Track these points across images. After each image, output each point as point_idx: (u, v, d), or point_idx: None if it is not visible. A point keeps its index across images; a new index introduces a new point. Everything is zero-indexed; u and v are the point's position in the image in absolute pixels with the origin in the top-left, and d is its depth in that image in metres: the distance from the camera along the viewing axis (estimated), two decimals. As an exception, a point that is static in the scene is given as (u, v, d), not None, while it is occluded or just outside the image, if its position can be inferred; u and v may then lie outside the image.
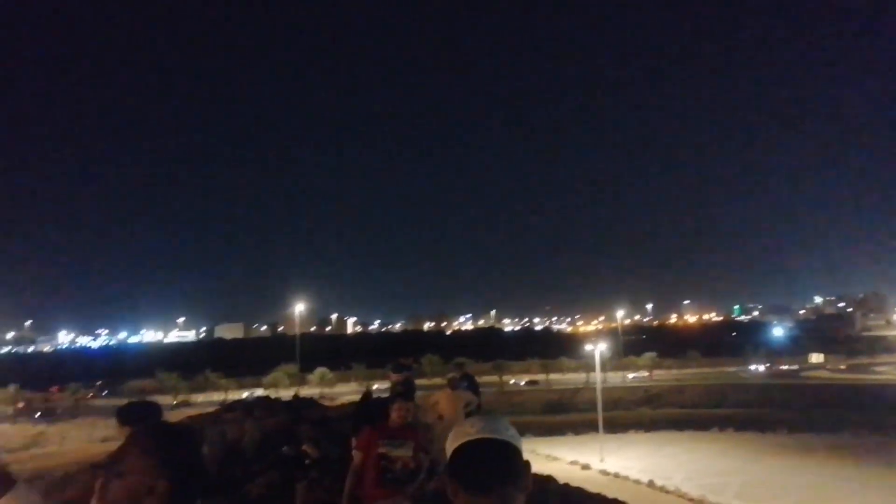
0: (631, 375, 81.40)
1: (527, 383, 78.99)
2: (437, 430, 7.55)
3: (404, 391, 6.15)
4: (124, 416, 3.56)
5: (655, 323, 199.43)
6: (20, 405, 68.65)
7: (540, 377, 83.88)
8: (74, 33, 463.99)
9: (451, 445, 1.72)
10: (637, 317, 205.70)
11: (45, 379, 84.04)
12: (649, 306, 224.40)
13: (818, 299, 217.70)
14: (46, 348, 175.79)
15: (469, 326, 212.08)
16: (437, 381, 51.06)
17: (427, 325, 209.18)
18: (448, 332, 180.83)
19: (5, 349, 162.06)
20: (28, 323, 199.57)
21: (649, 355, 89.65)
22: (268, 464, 9.23)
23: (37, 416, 64.77)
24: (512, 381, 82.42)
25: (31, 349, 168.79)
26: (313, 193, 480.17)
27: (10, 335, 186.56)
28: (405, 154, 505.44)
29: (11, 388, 72.11)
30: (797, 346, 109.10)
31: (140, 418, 3.51)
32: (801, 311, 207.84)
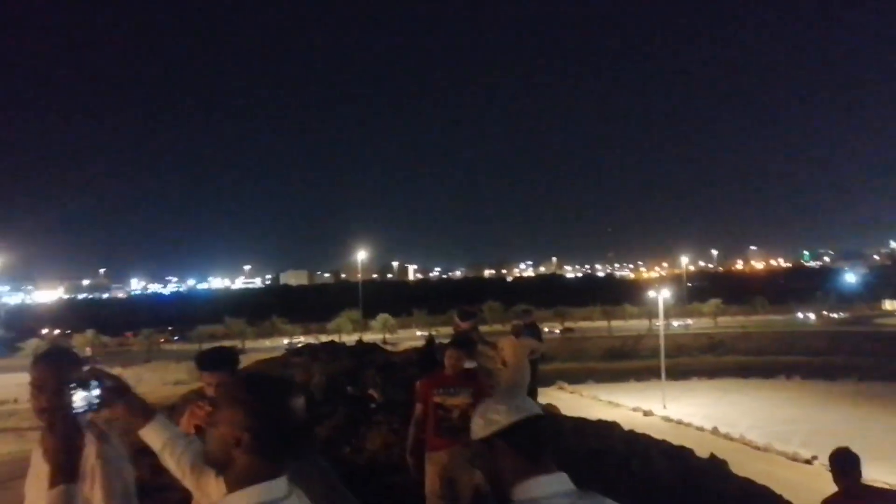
0: (676, 323, 79.50)
1: (562, 331, 77.65)
2: (501, 377, 7.53)
3: (459, 340, 6.11)
4: (204, 361, 3.57)
5: (721, 269, 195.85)
6: (88, 351, 71.52)
7: (601, 324, 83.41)
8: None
9: (487, 427, 1.75)
10: (701, 263, 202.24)
11: (120, 324, 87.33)
12: (714, 252, 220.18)
13: (894, 244, 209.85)
14: (120, 295, 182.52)
15: (530, 273, 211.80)
16: (498, 327, 51.25)
17: (487, 273, 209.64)
18: (509, 279, 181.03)
19: (82, 296, 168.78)
20: (102, 271, 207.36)
21: (714, 302, 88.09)
22: (334, 406, 9.39)
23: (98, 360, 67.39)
24: (546, 329, 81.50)
25: (105, 296, 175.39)
26: (377, 142, 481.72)
27: (86, 282, 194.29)
28: (468, 103, 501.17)
29: (88, 332, 75.16)
30: (871, 293, 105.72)
31: (219, 364, 3.53)
32: (876, 257, 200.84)
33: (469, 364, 5.98)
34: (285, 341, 67.51)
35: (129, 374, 59.93)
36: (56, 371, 2.77)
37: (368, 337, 60.31)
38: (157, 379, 53.94)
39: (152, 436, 2.55)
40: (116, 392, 2.50)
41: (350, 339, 38.29)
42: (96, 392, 2.44)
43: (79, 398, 2.43)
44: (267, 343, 72.76)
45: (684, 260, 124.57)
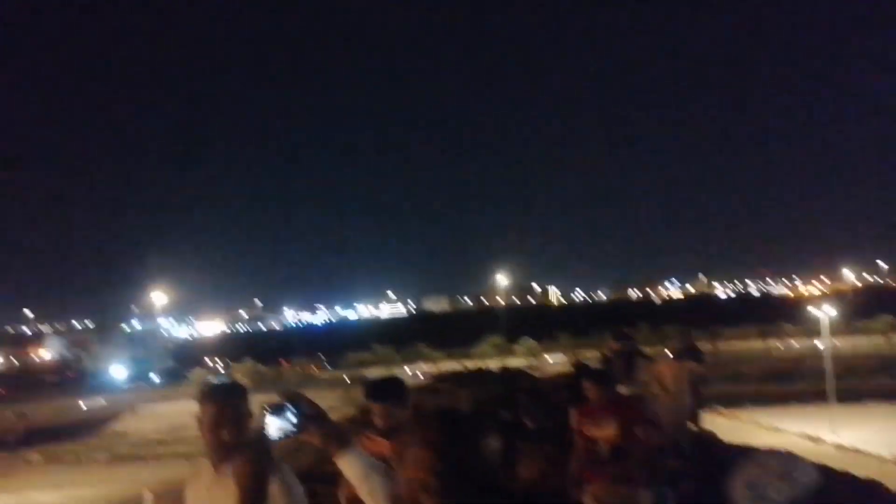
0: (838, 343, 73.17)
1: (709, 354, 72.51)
2: (663, 402, 7.10)
3: (599, 370, 5.77)
4: (374, 391, 3.50)
5: (891, 283, 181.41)
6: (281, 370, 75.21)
7: (757, 344, 79.00)
8: None
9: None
10: (866, 276, 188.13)
11: (276, 354, 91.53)
12: (882, 265, 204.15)
13: None
14: (275, 325, 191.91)
15: (677, 292, 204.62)
16: (648, 350, 49.48)
17: (633, 293, 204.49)
18: (657, 301, 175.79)
19: (241, 327, 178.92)
20: (258, 302, 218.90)
21: (885, 318, 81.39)
22: (487, 431, 9.16)
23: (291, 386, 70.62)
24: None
25: (262, 326, 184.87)
26: (513, 165, 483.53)
27: (244, 314, 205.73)
28: (602, 120, 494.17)
29: (247, 362, 79.24)
30: None
31: (388, 395, 3.47)
32: None
33: (625, 389, 5.64)
34: (427, 368, 68.31)
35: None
36: (230, 405, 2.78)
37: (513, 362, 60.00)
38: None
39: (348, 465, 2.44)
40: (314, 419, 2.43)
41: (494, 364, 38.16)
42: (292, 418, 2.38)
43: (273, 424, 2.37)
44: (413, 369, 73.96)
45: (848, 273, 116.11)
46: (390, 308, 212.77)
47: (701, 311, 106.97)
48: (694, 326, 77.79)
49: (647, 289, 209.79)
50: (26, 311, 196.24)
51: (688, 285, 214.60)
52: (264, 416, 2.39)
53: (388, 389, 3.52)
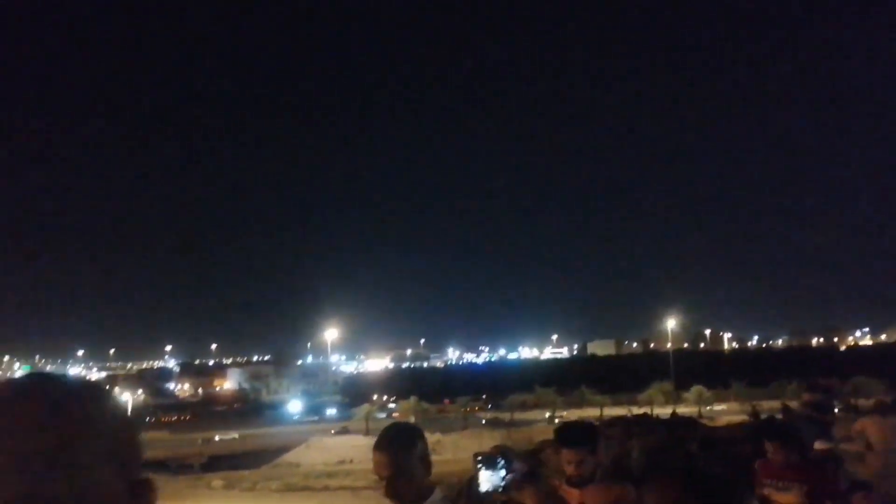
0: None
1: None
2: (868, 461, 6.25)
3: (783, 426, 5.05)
4: (568, 437, 3.25)
5: None
6: (395, 416, 76.27)
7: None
8: None
9: None
10: None
11: (439, 392, 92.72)
12: None
13: None
14: (438, 364, 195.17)
15: (867, 341, 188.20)
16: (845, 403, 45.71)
17: (815, 341, 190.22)
18: (842, 348, 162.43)
19: (406, 364, 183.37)
20: (422, 341, 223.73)
21: None
22: (741, 495, 8.54)
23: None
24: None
25: (425, 364, 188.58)
26: (679, 206, 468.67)
27: (409, 352, 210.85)
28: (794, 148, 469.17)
29: (412, 399, 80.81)
30: None
31: (583, 441, 3.22)
32: None
33: (821, 445, 4.97)
34: (590, 413, 66.48)
35: (447, 441, 62.95)
36: (406, 452, 2.66)
37: (682, 410, 57.27)
38: (473, 445, 55.77)
39: None
40: (530, 477, 2.32)
41: (662, 411, 36.52)
42: (503, 473, 2.30)
43: (485, 478, 2.29)
44: (576, 414, 72.34)
45: None
46: (553, 351, 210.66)
47: (892, 361, 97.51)
48: (885, 377, 71.36)
49: (832, 337, 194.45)
50: (213, 346, 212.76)
51: (883, 336, 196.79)
52: (477, 467, 2.29)
53: (582, 435, 3.26)
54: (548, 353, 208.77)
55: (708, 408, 69.89)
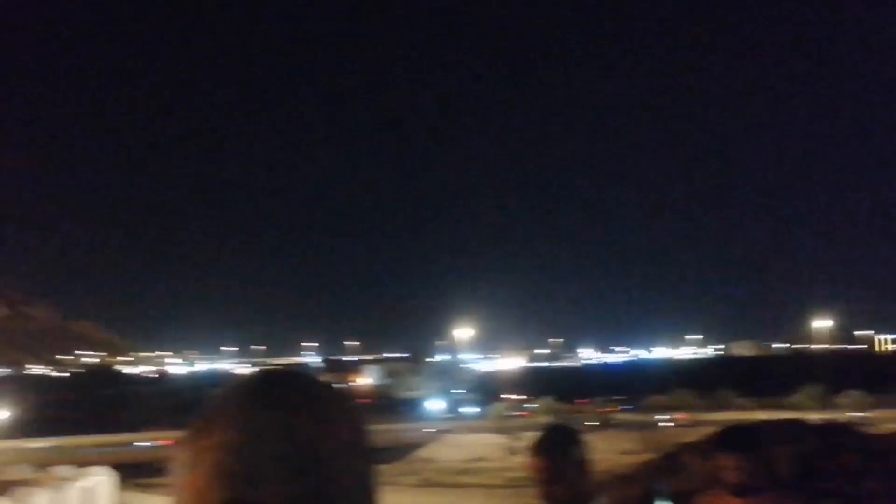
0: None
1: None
2: None
3: None
4: (734, 442, 3.13)
5: None
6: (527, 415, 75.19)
7: None
8: None
9: None
10: None
11: (573, 392, 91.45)
12: None
13: None
14: (573, 363, 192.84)
15: None
16: None
17: None
18: None
19: (539, 363, 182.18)
20: (557, 340, 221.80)
21: None
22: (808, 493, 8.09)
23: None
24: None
25: (559, 364, 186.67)
26: (832, 206, 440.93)
27: (543, 351, 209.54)
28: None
29: (546, 399, 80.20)
30: None
31: (751, 444, 3.09)
32: None
33: None
34: (733, 416, 63.52)
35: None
36: (565, 458, 2.57)
37: (835, 416, 53.69)
38: (609, 448, 54.67)
39: None
40: None
41: (812, 417, 34.33)
42: None
43: None
44: (718, 417, 69.47)
45: None
46: (691, 351, 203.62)
47: None
48: None
49: None
50: (352, 343, 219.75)
51: None
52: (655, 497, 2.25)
53: (747, 439, 3.10)
54: (684, 352, 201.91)
55: (862, 414, 65.25)
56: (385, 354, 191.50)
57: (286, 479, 0.87)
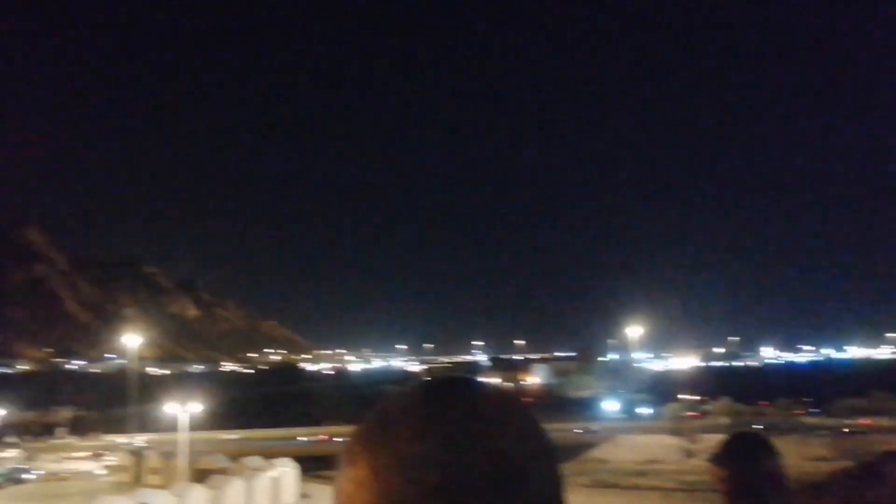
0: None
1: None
2: None
3: None
4: None
5: None
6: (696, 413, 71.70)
7: None
8: None
9: None
10: None
11: (753, 392, 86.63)
12: None
13: None
14: (752, 363, 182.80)
15: None
16: None
17: None
18: None
19: (715, 363, 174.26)
20: (735, 339, 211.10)
21: None
22: None
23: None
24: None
25: (737, 363, 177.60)
26: None
27: (719, 350, 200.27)
28: None
29: (724, 400, 76.39)
30: None
31: None
32: None
33: None
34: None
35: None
36: (753, 469, 2.22)
37: None
38: (797, 453, 51.31)
39: None
40: None
41: None
42: None
43: None
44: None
45: None
46: (890, 350, 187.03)
47: None
48: None
49: None
50: (520, 341, 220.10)
51: None
52: None
53: None
54: (883, 352, 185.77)
55: None
56: (554, 353, 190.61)
57: (491, 494, 0.84)
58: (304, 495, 44.26)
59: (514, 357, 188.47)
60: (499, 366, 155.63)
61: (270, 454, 48.55)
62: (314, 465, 48.79)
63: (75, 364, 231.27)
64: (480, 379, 0.99)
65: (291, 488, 43.98)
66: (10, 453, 74.42)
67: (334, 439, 69.21)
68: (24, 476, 62.03)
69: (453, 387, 0.94)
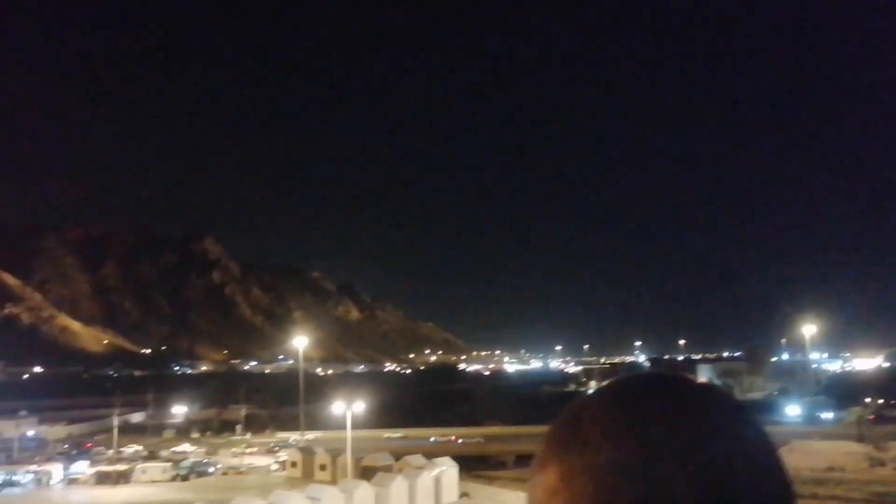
0: None
1: None
2: None
3: None
4: None
5: None
6: (870, 417, 66.73)
7: None
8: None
9: None
10: None
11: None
12: None
13: None
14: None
15: None
16: None
17: None
18: None
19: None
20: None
21: None
22: None
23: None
24: None
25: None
26: None
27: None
28: None
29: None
30: None
31: None
32: None
33: None
34: None
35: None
36: None
37: None
38: None
39: None
40: None
41: None
42: None
43: None
44: None
45: None
46: None
47: None
48: None
49: None
50: (681, 341, 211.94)
51: None
52: None
53: None
54: None
55: None
56: (721, 353, 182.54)
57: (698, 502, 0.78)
58: (463, 494, 44.66)
59: (675, 357, 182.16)
60: (658, 366, 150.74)
61: (431, 452, 49.44)
62: (474, 464, 49.23)
63: (250, 365, 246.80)
64: (689, 377, 0.89)
65: (452, 487, 44.50)
66: (194, 448, 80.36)
67: (491, 437, 69.42)
68: (207, 469, 66.76)
69: (655, 385, 0.83)
